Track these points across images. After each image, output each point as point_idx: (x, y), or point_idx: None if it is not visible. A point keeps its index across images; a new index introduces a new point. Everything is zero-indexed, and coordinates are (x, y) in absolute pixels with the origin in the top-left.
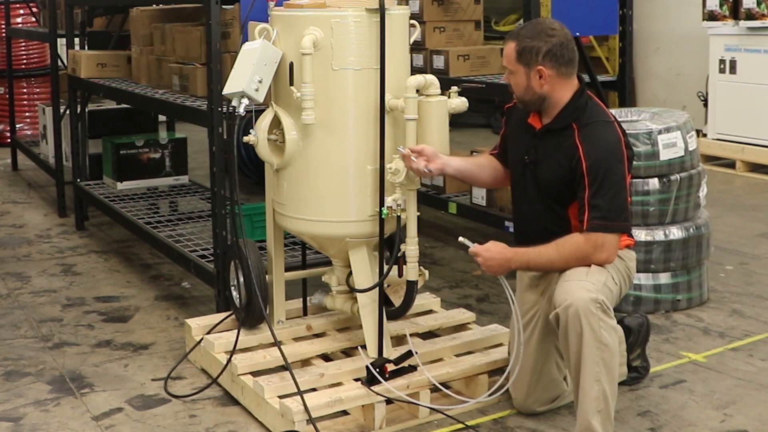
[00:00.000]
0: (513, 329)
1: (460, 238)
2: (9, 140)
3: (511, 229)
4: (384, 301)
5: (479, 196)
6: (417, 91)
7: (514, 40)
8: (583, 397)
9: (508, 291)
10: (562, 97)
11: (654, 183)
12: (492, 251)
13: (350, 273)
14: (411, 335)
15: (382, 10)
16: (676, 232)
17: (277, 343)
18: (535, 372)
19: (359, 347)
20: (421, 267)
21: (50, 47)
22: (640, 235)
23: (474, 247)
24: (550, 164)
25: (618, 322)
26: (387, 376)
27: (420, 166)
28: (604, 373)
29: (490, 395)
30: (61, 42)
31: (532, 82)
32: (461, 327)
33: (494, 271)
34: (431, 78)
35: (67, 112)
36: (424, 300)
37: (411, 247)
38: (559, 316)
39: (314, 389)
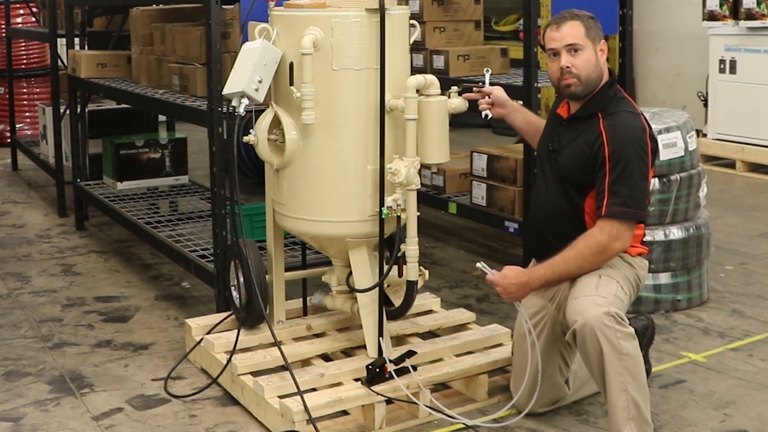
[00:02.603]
0: (521, 348)
1: (478, 264)
2: (9, 140)
3: (511, 229)
4: (384, 301)
5: (479, 196)
6: (417, 91)
7: (575, 19)
8: (612, 408)
9: (524, 319)
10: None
11: (654, 183)
12: (508, 277)
13: (350, 273)
14: (411, 335)
15: (382, 10)
16: (676, 232)
17: (277, 343)
18: (538, 375)
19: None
20: (421, 267)
21: (50, 47)
22: None
23: (492, 275)
24: (572, 150)
25: None
26: (387, 375)
27: (482, 107)
28: (630, 381)
29: (496, 420)
30: (61, 42)
31: (600, 57)
32: (461, 327)
33: (514, 297)
34: (431, 78)
35: (67, 112)
36: (424, 300)
37: (411, 247)
38: (576, 334)
39: (314, 389)
